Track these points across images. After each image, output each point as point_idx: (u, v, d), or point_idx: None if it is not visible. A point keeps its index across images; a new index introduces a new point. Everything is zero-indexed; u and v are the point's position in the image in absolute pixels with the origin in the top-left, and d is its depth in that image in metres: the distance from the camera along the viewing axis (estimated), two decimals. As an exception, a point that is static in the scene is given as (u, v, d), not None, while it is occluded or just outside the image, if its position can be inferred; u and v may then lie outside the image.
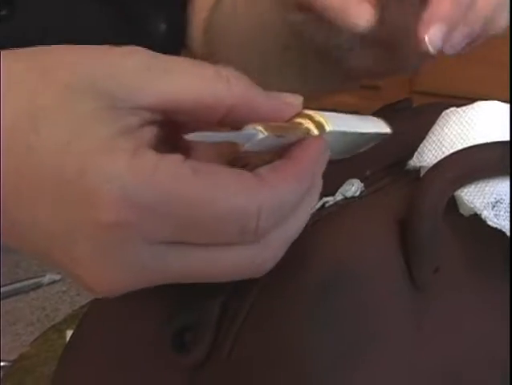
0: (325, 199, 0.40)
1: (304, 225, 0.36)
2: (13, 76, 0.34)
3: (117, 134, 0.32)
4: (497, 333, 0.40)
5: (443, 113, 0.43)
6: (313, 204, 0.37)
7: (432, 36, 0.42)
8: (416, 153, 0.42)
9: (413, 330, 0.38)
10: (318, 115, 0.38)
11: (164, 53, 0.82)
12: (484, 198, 0.39)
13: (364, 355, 0.36)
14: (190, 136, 0.34)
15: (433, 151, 0.41)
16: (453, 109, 0.43)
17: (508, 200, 0.39)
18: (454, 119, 0.42)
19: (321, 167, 0.37)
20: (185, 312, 0.37)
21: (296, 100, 0.38)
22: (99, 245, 0.32)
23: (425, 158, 0.42)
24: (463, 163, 0.39)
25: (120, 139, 0.32)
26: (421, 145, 0.42)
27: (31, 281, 0.72)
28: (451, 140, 0.41)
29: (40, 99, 0.33)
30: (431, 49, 0.42)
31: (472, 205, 0.39)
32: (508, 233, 0.39)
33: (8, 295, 0.70)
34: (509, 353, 0.39)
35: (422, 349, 0.37)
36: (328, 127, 0.38)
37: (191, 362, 0.36)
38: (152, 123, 0.35)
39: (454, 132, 0.41)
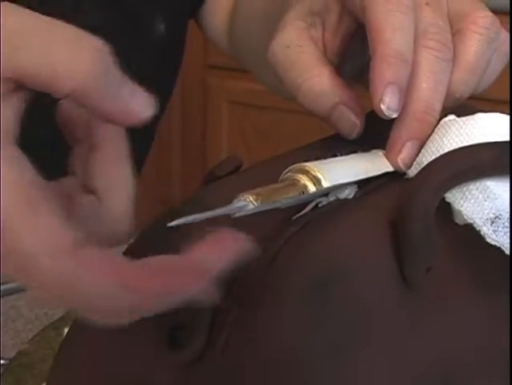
0: (318, 199, 0.41)
1: None
2: None
3: None
4: (491, 332, 0.40)
5: (442, 121, 0.43)
6: None
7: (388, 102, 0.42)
8: (414, 163, 0.42)
9: (406, 330, 0.38)
10: (316, 170, 0.38)
11: (165, 53, 0.82)
12: (483, 214, 0.39)
13: (357, 355, 0.36)
14: (173, 223, 0.33)
15: None
16: (452, 118, 0.43)
17: (506, 216, 0.39)
18: (454, 129, 0.42)
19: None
20: (180, 310, 0.37)
21: (145, 110, 0.35)
22: None
23: None
24: (455, 163, 0.39)
25: None
26: (420, 155, 0.42)
27: (30, 279, 0.72)
28: None
29: None
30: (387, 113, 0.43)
31: (471, 221, 0.39)
32: (506, 251, 0.39)
33: (7, 293, 0.70)
34: (510, 353, 0.40)
35: (415, 348, 0.38)
36: (326, 183, 0.38)
37: (185, 359, 0.37)
38: (19, 89, 0.34)
39: (454, 144, 0.41)
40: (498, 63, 0.47)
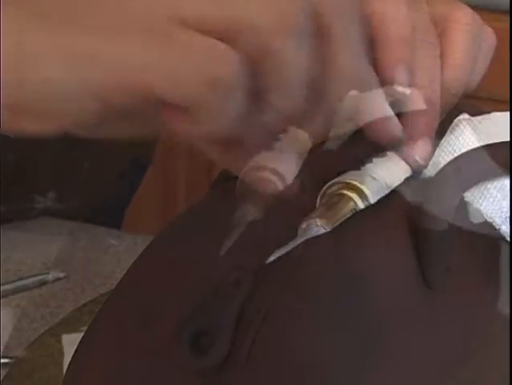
0: None
1: None
2: None
3: None
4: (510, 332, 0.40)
5: (456, 120, 0.43)
6: None
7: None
8: (431, 162, 0.42)
9: (427, 330, 0.38)
10: (366, 188, 0.39)
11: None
12: (502, 212, 0.40)
13: (380, 356, 0.36)
14: (270, 260, 0.36)
15: None
16: (466, 117, 0.43)
17: None
18: (469, 129, 0.42)
19: None
20: (203, 315, 0.37)
21: None
22: None
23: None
24: (474, 163, 0.40)
25: None
26: (436, 154, 0.42)
27: (36, 278, 0.71)
28: None
29: None
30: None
31: (491, 220, 0.39)
32: None
33: (12, 292, 0.70)
34: (510, 352, 0.40)
35: (435, 348, 0.38)
36: (372, 200, 0.39)
37: (208, 365, 0.36)
38: None
39: (470, 143, 0.41)
40: (484, 57, 0.49)
